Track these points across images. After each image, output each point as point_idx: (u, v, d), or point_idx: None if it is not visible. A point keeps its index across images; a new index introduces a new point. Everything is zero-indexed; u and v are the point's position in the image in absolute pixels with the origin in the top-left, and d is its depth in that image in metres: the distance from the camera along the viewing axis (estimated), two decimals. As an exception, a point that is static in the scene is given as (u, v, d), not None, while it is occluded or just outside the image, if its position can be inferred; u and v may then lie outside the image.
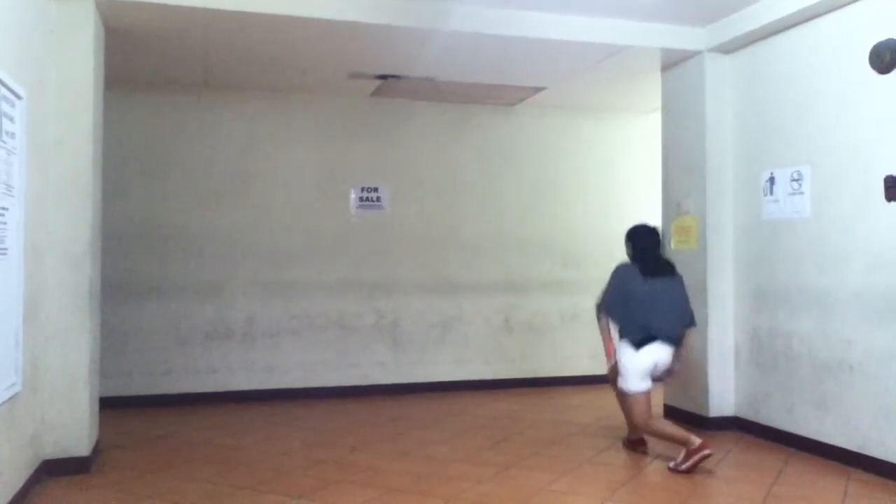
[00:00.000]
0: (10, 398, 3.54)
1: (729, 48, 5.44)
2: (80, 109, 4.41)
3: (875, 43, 4.29)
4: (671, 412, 5.84)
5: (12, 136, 3.52)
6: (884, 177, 4.21)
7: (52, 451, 4.25)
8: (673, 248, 5.89)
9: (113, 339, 6.13)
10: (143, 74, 6.12)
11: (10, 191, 3.51)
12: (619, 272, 4.78)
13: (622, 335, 4.68)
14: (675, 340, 4.66)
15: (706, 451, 4.31)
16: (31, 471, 3.94)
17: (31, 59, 3.87)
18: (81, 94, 4.42)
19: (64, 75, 4.36)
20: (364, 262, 6.93)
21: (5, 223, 3.46)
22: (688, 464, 4.34)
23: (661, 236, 4.97)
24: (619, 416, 5.94)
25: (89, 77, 4.44)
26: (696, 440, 4.35)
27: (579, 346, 7.46)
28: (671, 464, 4.45)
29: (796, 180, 4.88)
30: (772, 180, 5.10)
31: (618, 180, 7.64)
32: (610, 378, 4.91)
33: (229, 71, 6.08)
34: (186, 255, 6.54)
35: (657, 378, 4.78)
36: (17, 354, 3.65)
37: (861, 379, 4.36)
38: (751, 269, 5.32)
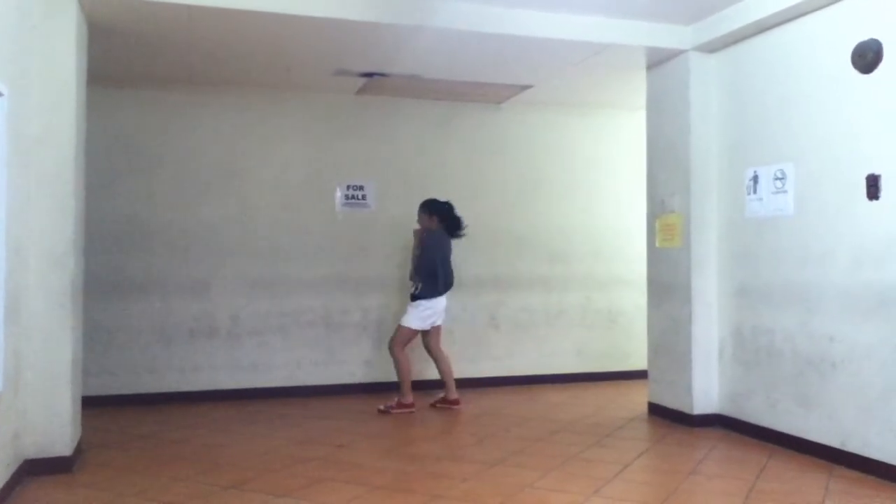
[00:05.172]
0: (-10, 397, 3.50)
1: (713, 47, 5.47)
2: (62, 105, 4.37)
3: (857, 42, 4.32)
4: (655, 410, 5.88)
5: (-7, 132, 3.49)
6: (866, 175, 4.25)
7: (33, 450, 4.22)
8: (657, 246, 5.92)
9: (96, 337, 6.09)
10: (128, 70, 6.07)
11: (-10, 188, 3.47)
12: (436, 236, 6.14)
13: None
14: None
15: (410, 410, 5.96)
16: (12, 471, 3.90)
17: (12, 55, 3.83)
18: (64, 90, 4.38)
19: (46, 71, 4.31)
20: (350, 259, 6.91)
21: (-14, 220, 3.42)
22: (393, 411, 5.92)
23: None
24: (604, 413, 5.99)
25: (72, 73, 4.40)
26: (410, 399, 5.97)
27: (565, 343, 7.49)
28: (381, 406, 6.00)
29: (780, 179, 4.92)
30: (755, 179, 5.13)
31: (604, 177, 7.66)
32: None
33: (214, 67, 6.04)
34: (171, 252, 6.50)
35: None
36: (-2, 353, 3.61)
37: (843, 375, 4.40)
38: (735, 267, 5.36)
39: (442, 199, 6.34)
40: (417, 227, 6.25)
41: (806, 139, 4.73)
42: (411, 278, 6.17)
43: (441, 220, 6.19)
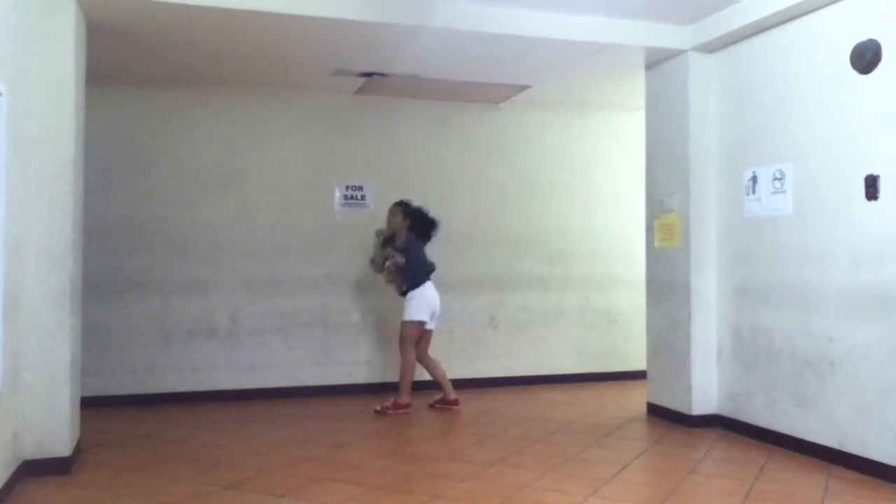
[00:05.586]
0: (-11, 397, 3.50)
1: (712, 47, 5.47)
2: (61, 105, 4.36)
3: (856, 43, 4.32)
4: (654, 410, 5.88)
5: (-9, 132, 3.48)
6: (864, 175, 4.25)
7: (32, 451, 4.21)
8: (656, 246, 5.92)
9: (95, 337, 6.08)
10: (127, 70, 6.06)
11: (-11, 187, 3.46)
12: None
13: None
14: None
15: (406, 411, 5.96)
16: (10, 471, 3.89)
17: (11, 55, 3.82)
18: (62, 89, 4.37)
19: (45, 70, 4.31)
20: (349, 259, 6.91)
21: (-16, 220, 3.41)
22: (389, 412, 5.91)
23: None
24: (603, 414, 5.99)
25: (70, 72, 4.40)
26: (407, 400, 5.99)
27: (564, 343, 7.49)
28: (377, 407, 5.99)
29: (778, 179, 4.92)
30: (754, 179, 5.13)
31: (603, 177, 7.66)
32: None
33: (213, 67, 6.04)
34: (170, 251, 6.50)
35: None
36: (-3, 353, 3.61)
37: (842, 376, 4.40)
38: (734, 267, 5.36)
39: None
40: (381, 227, 6.23)
41: (805, 139, 4.73)
42: (392, 281, 6.19)
43: (413, 224, 6.15)
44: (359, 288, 6.92)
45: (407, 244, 6.09)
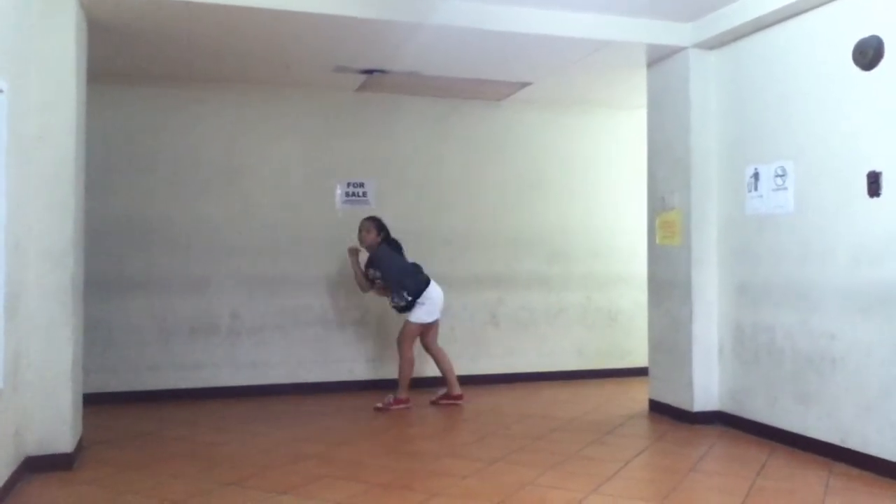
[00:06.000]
0: (-9, 395, 3.50)
1: (714, 44, 5.46)
2: (61, 103, 4.36)
3: (858, 39, 4.32)
4: (656, 407, 5.88)
5: (-8, 129, 3.48)
6: (867, 172, 4.25)
7: (34, 448, 4.22)
8: (658, 243, 5.92)
9: (97, 335, 6.08)
10: (128, 68, 6.07)
11: (-10, 185, 3.46)
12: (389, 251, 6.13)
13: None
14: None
15: (406, 406, 6.00)
16: (13, 468, 3.90)
17: (11, 53, 3.82)
18: (63, 87, 4.37)
19: (45, 68, 4.31)
20: (350, 257, 6.91)
21: (-14, 218, 3.41)
22: (392, 408, 5.94)
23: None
24: (604, 411, 5.99)
25: (71, 70, 4.39)
26: (406, 395, 6.01)
27: (565, 341, 7.50)
28: (378, 404, 6.00)
29: (780, 176, 4.91)
30: (756, 176, 5.13)
31: (604, 176, 7.66)
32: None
33: (214, 64, 6.04)
34: (171, 249, 6.50)
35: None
36: (-1, 351, 3.61)
37: (843, 373, 4.40)
38: (735, 264, 5.36)
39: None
40: (354, 244, 6.18)
41: (806, 136, 4.73)
42: (384, 295, 6.19)
43: (386, 237, 6.18)
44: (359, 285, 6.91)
45: (377, 256, 6.09)
